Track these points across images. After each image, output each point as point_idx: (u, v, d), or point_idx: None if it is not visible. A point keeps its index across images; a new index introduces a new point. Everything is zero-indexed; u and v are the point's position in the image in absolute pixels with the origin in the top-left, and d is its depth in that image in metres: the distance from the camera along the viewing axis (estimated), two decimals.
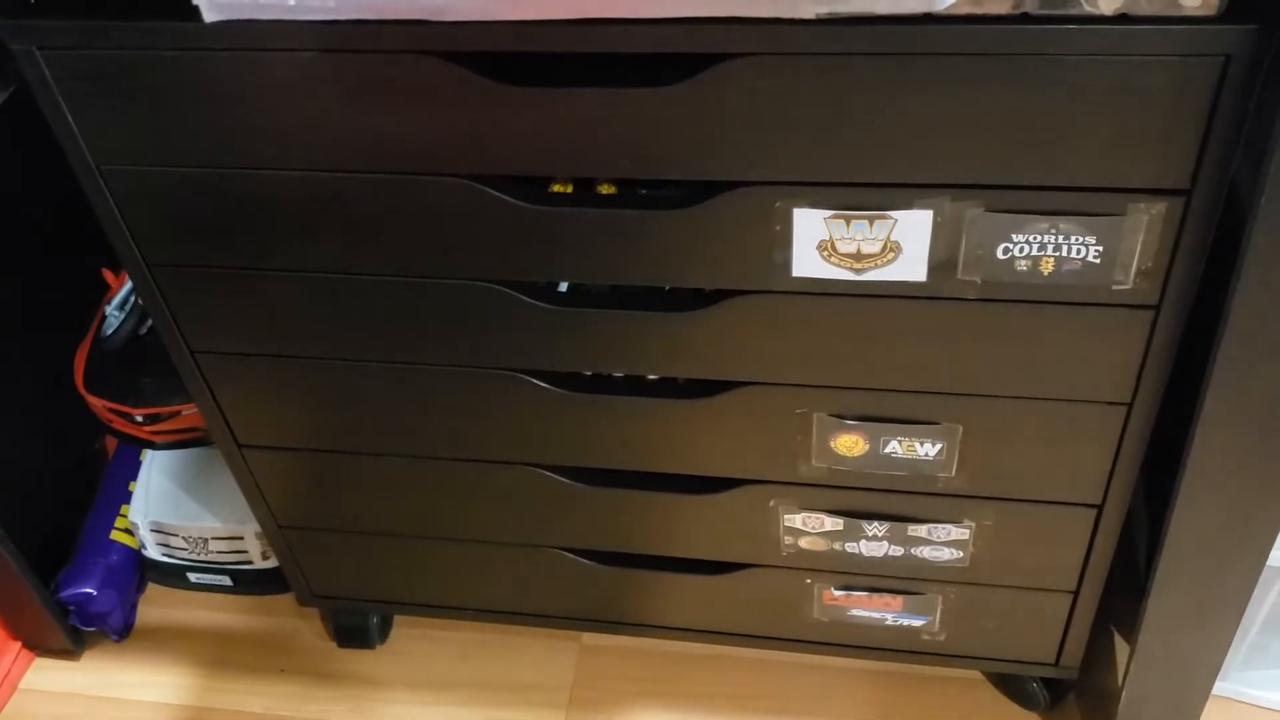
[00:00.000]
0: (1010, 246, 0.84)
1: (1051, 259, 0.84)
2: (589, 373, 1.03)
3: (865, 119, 0.79)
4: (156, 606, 1.46)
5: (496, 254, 0.93)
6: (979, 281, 0.86)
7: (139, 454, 1.43)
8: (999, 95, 0.76)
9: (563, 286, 0.99)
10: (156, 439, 1.32)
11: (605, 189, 0.92)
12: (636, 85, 0.80)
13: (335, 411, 1.10)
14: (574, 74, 0.81)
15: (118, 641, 1.42)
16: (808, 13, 0.66)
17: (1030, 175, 0.80)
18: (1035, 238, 0.83)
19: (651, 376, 1.02)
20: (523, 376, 1.02)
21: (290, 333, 1.03)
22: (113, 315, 1.31)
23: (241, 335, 1.04)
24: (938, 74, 0.76)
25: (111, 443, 1.47)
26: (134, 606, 1.45)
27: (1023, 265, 0.84)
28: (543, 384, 1.03)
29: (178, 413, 1.28)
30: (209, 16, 0.69)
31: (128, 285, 1.32)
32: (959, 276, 0.86)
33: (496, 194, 0.89)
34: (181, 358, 1.07)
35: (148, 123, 0.89)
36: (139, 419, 1.29)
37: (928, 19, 0.72)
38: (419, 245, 0.94)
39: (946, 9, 0.70)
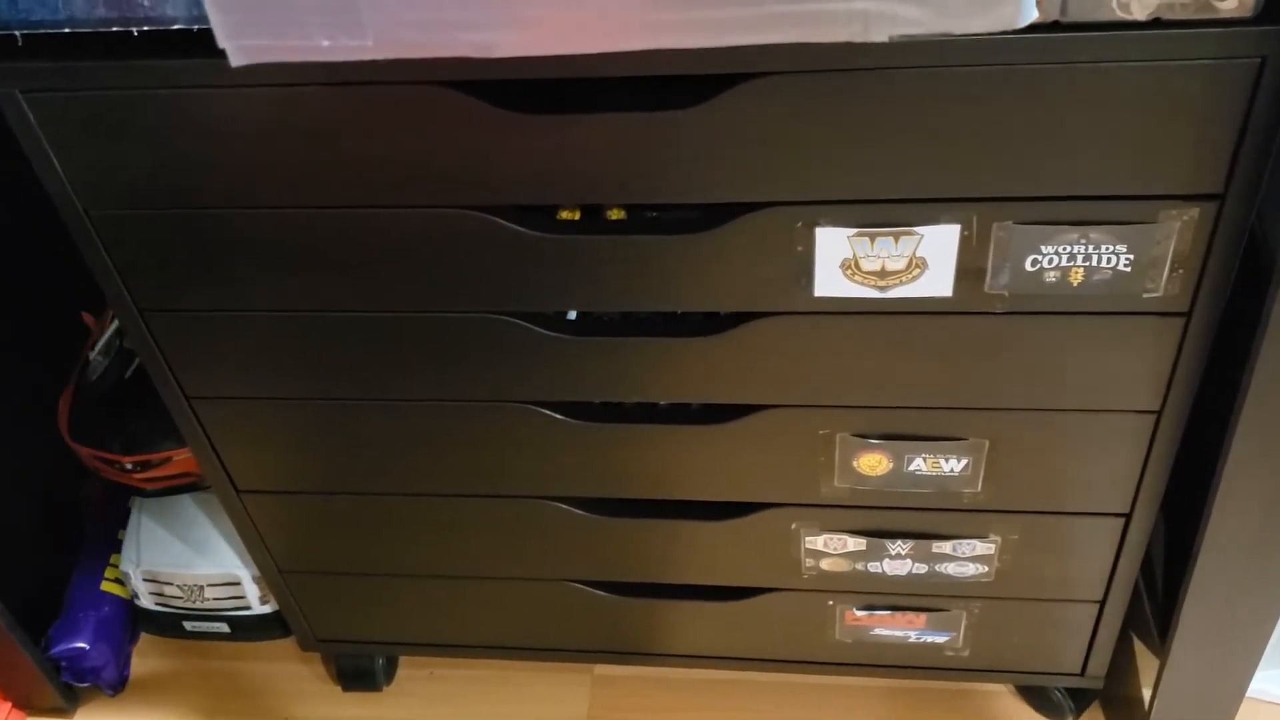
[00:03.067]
0: (1039, 258, 0.82)
1: (1081, 269, 0.82)
2: (600, 401, 1.00)
3: (890, 133, 0.77)
4: (151, 657, 1.41)
5: (504, 285, 0.90)
6: (1007, 294, 0.84)
7: (126, 500, 1.38)
8: (1028, 105, 0.74)
9: (572, 314, 0.96)
10: (147, 486, 1.28)
11: (614, 214, 0.89)
12: (655, 109, 0.77)
13: (338, 453, 1.06)
14: (582, 97, 0.79)
15: (113, 696, 1.38)
16: (880, 37, 0.63)
17: (1060, 185, 0.78)
18: (1065, 248, 0.81)
19: (665, 403, 0.99)
20: (533, 408, 0.99)
21: (291, 374, 0.99)
22: (96, 361, 1.27)
23: (239, 379, 1.00)
24: (965, 85, 0.74)
25: (95, 489, 1.42)
26: (128, 659, 1.40)
27: (1052, 276, 0.82)
28: (554, 414, 1.00)
29: (169, 458, 1.24)
30: (236, 61, 0.66)
31: (110, 329, 1.28)
32: (986, 290, 0.84)
33: (504, 224, 0.86)
34: (177, 404, 1.03)
35: (139, 164, 0.85)
36: (129, 466, 1.24)
37: None
38: (424, 279, 0.91)
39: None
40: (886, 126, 0.76)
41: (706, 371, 0.94)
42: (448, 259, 0.89)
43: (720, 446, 1.00)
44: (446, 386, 0.99)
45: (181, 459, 1.24)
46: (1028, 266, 0.82)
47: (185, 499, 1.34)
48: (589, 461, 1.03)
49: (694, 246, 0.85)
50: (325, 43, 0.63)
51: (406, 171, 0.83)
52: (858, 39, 0.63)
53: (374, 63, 0.74)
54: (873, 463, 0.98)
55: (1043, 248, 0.81)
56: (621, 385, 0.97)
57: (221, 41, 0.66)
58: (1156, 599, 1.21)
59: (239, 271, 0.91)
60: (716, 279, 0.87)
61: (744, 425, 0.97)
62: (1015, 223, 0.80)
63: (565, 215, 0.89)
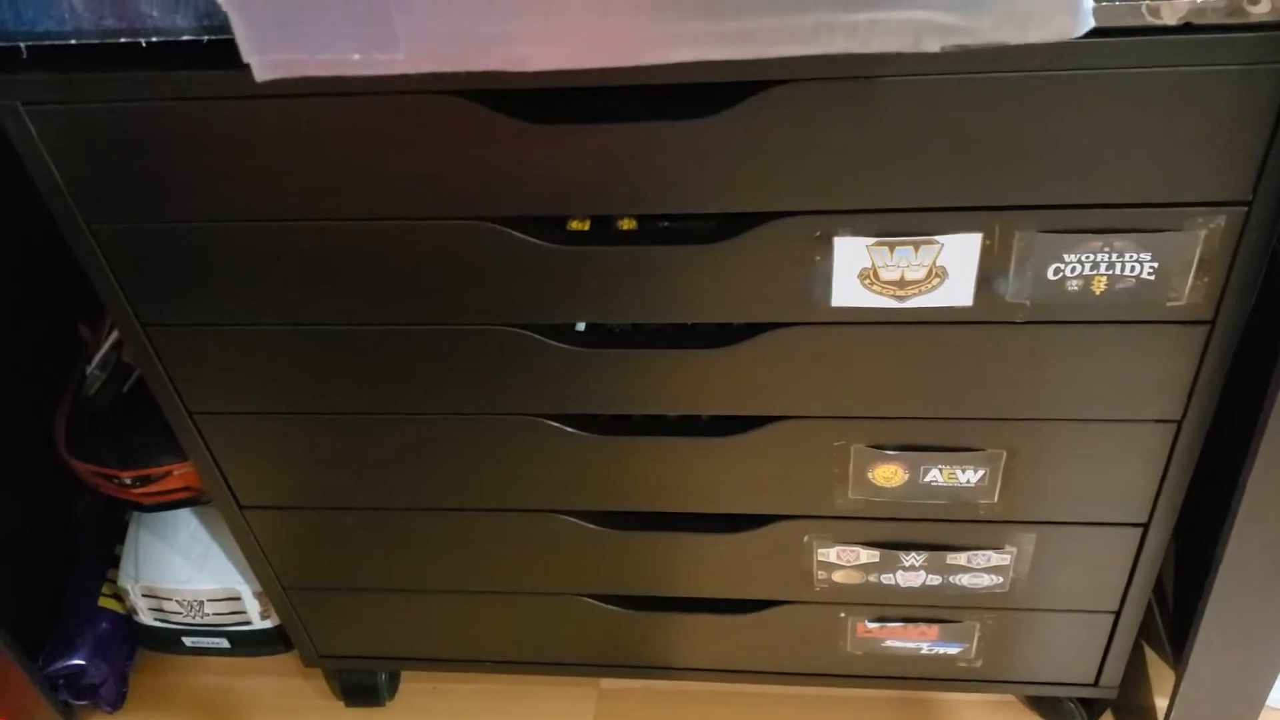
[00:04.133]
0: (1062, 267, 0.80)
1: (1104, 278, 0.81)
2: (610, 414, 0.98)
3: (910, 141, 0.75)
4: (150, 673, 1.39)
5: (514, 296, 0.89)
6: (1028, 303, 0.83)
7: (123, 514, 1.36)
8: (1054, 111, 0.73)
9: (581, 326, 0.95)
10: (146, 500, 1.25)
11: (626, 224, 0.88)
12: (673, 118, 0.76)
13: (344, 467, 1.05)
14: (596, 106, 0.77)
15: (111, 713, 1.36)
16: (932, 47, 0.61)
17: (1084, 193, 0.77)
18: (1088, 257, 0.80)
19: (675, 415, 0.98)
20: (542, 420, 0.98)
21: (296, 388, 0.98)
22: (94, 375, 1.24)
23: (243, 394, 0.99)
24: (988, 92, 0.73)
25: (91, 503, 1.40)
26: (126, 675, 1.38)
27: (1074, 285, 0.81)
28: (563, 427, 0.98)
29: (169, 473, 1.22)
30: (263, 76, 0.64)
31: (108, 342, 1.25)
32: (1007, 299, 0.83)
33: (515, 234, 0.84)
34: (179, 420, 1.01)
35: (143, 177, 0.83)
36: (128, 481, 1.22)
37: None
38: (432, 291, 0.89)
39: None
40: (907, 134, 0.75)
41: (719, 383, 0.93)
42: (457, 270, 0.87)
43: (732, 458, 0.98)
44: (454, 399, 0.97)
45: (181, 473, 1.22)
46: (1050, 275, 0.81)
47: (184, 513, 1.32)
48: (598, 474, 1.02)
49: (708, 257, 0.84)
50: (356, 56, 0.61)
51: (417, 182, 0.82)
52: (909, 49, 0.62)
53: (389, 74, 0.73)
54: (888, 474, 0.96)
55: (1066, 256, 0.80)
56: (632, 397, 0.96)
57: (247, 56, 0.64)
58: (1167, 607, 1.20)
59: (244, 285, 0.90)
60: (731, 290, 0.86)
61: (756, 437, 0.96)
62: (1038, 231, 0.79)
63: (575, 226, 0.87)
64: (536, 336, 0.91)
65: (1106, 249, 0.79)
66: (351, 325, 0.92)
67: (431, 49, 0.60)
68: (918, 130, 0.75)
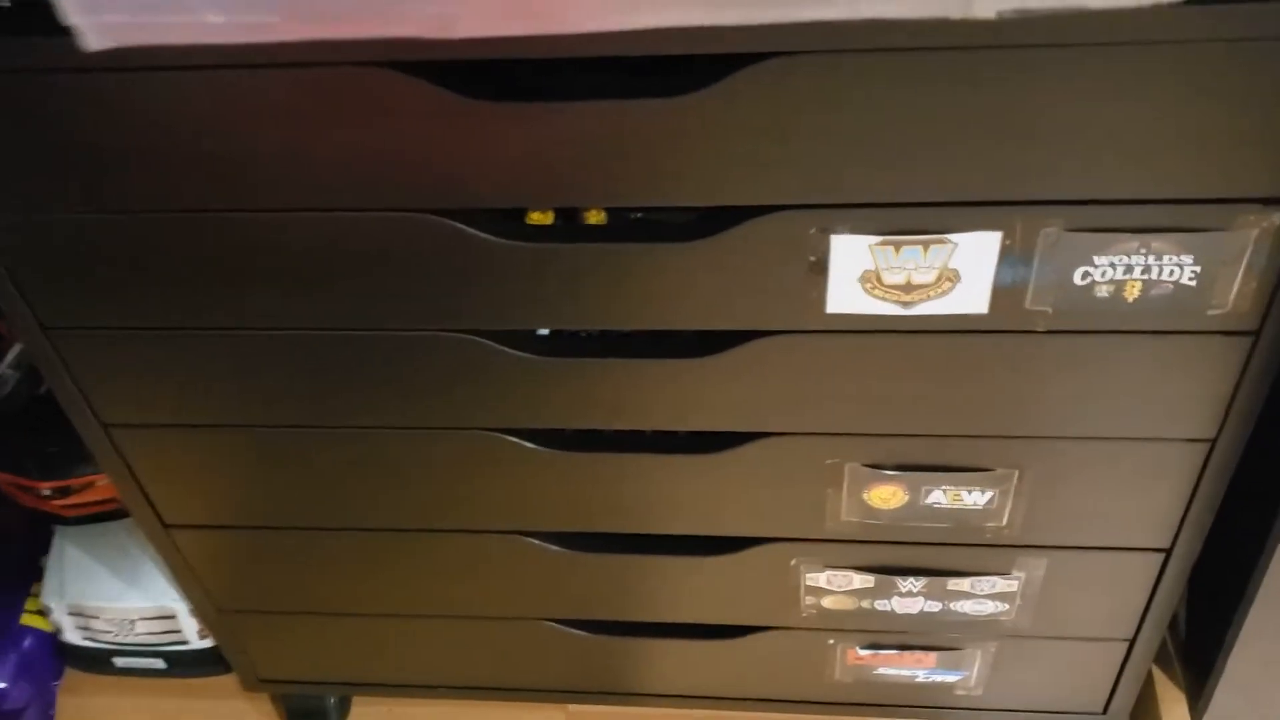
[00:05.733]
0: (1090, 270, 0.70)
1: (1138, 283, 0.71)
2: (577, 429, 0.88)
3: (922, 125, 0.65)
4: (79, 696, 1.28)
5: (466, 298, 0.78)
6: (1050, 311, 0.73)
7: (49, 525, 1.25)
8: (1088, 92, 0.63)
9: (543, 331, 0.84)
10: (68, 513, 1.15)
11: (594, 217, 0.77)
12: (646, 95, 0.65)
13: (282, 485, 0.94)
14: (557, 80, 0.66)
15: None
16: (986, 13, 0.51)
17: (1120, 187, 0.67)
18: (1121, 259, 0.69)
19: (650, 430, 0.87)
20: (500, 435, 0.87)
21: (221, 399, 0.87)
22: (6, 374, 1.13)
23: (163, 404, 0.87)
24: (1011, 69, 0.62)
25: (12, 512, 1.29)
26: (53, 698, 1.27)
27: (1103, 291, 0.71)
28: (524, 442, 0.88)
29: (91, 483, 1.11)
30: (95, 43, 0.52)
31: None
32: (1027, 306, 0.73)
33: (465, 229, 0.74)
34: (91, 432, 0.90)
35: (30, 163, 0.72)
36: (46, 493, 1.11)
37: None
38: (372, 292, 0.78)
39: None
40: (918, 117, 0.65)
41: (698, 396, 0.82)
42: (401, 269, 0.76)
43: (712, 477, 0.88)
44: (399, 412, 0.86)
45: (105, 484, 1.11)
46: (1077, 280, 0.71)
47: (113, 526, 1.20)
48: (564, 493, 0.91)
49: (688, 256, 0.73)
50: (217, 19, 0.49)
51: (348, 169, 0.71)
52: (956, 14, 0.51)
53: (307, 42, 0.61)
54: (885, 495, 0.87)
55: (1095, 259, 0.70)
56: (599, 411, 0.85)
57: (72, 17, 0.52)
58: (1178, 629, 1.11)
59: (157, 285, 0.79)
60: (713, 293, 0.75)
61: (740, 454, 0.85)
62: (1065, 229, 0.68)
63: (537, 219, 0.77)
64: (492, 344, 0.81)
65: (1143, 250, 0.69)
66: (278, 330, 0.81)
67: (320, 9, 0.49)
68: (931, 113, 0.64)
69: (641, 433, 0.88)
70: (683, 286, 0.75)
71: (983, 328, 0.75)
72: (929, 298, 0.73)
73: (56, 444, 1.10)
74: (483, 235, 0.74)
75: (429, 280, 0.77)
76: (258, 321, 0.81)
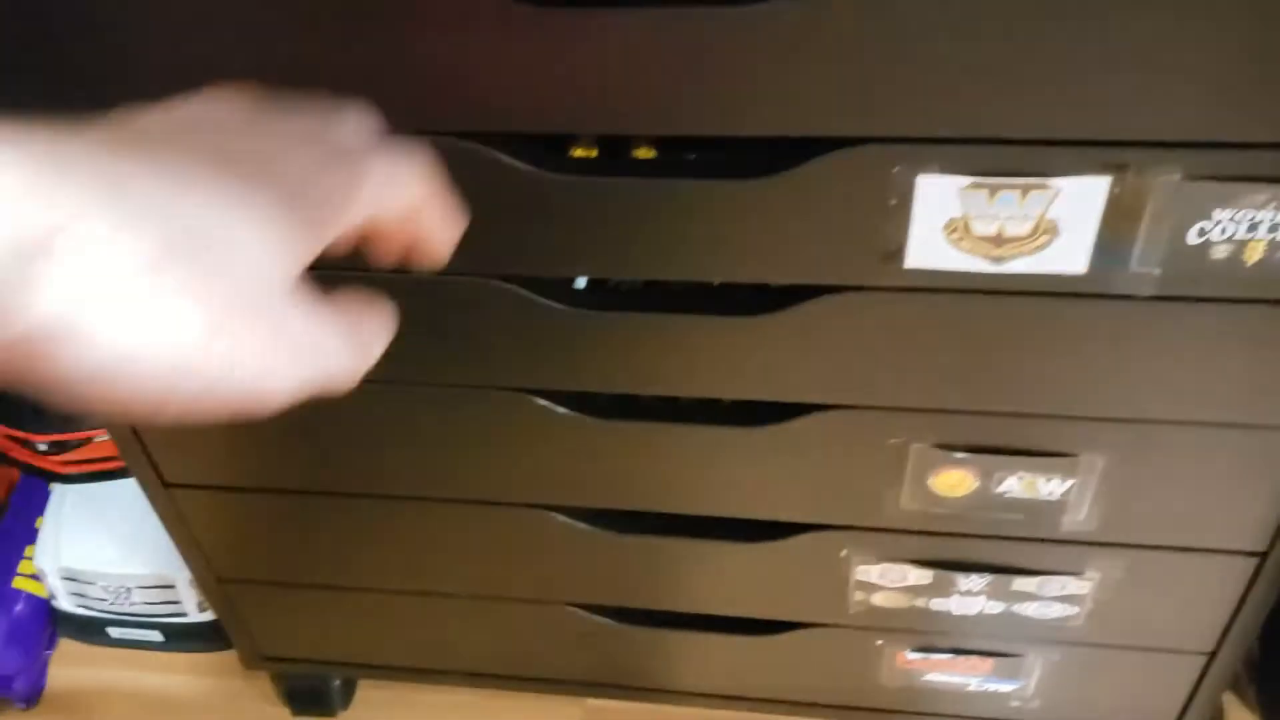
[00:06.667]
0: (1208, 227, 0.62)
1: (1263, 243, 0.62)
2: (613, 393, 0.80)
3: (1028, 46, 0.57)
4: (71, 666, 1.21)
5: (496, 239, 0.70)
6: (1157, 273, 0.64)
7: (46, 485, 1.18)
8: (1222, 10, 0.54)
9: (581, 282, 0.76)
10: (64, 470, 1.08)
11: (642, 152, 0.69)
12: (711, 3, 0.57)
13: (290, 442, 0.87)
14: None
15: (25, 710, 1.18)
16: None
17: (1254, 128, 0.58)
18: (1246, 214, 0.61)
19: (692, 397, 0.79)
20: (528, 397, 0.79)
21: None
22: None
23: None
24: None
25: (9, 473, 1.22)
26: (44, 667, 1.20)
27: (1220, 252, 0.63)
28: (554, 406, 0.80)
29: (89, 439, 1.04)
30: None
31: None
32: (1132, 268, 0.64)
33: (499, 156, 0.66)
34: None
35: None
36: (42, 447, 1.04)
37: None
38: None
39: None
40: (1018, 36, 0.56)
41: (750, 360, 0.74)
42: None
43: (760, 453, 0.80)
44: (419, 365, 0.79)
45: (105, 441, 1.04)
46: (1191, 238, 0.62)
47: (115, 486, 1.14)
48: (595, 465, 0.83)
49: (747, 196, 0.65)
50: None
51: (353, 83, 0.63)
52: None
53: None
54: (953, 481, 0.78)
55: (1215, 213, 0.61)
56: (641, 374, 0.77)
57: None
58: (1251, 646, 1.02)
59: None
60: (773, 242, 0.67)
61: (792, 429, 0.77)
62: (1184, 178, 0.60)
63: (580, 152, 0.69)
64: (524, 292, 0.73)
65: (1273, 205, 0.60)
66: None
67: None
68: (1032, 31, 0.56)
69: (682, 401, 0.79)
70: (738, 233, 0.67)
71: (1078, 290, 0.66)
72: (1022, 253, 0.64)
73: None
74: (519, 164, 0.66)
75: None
76: None
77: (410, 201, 0.43)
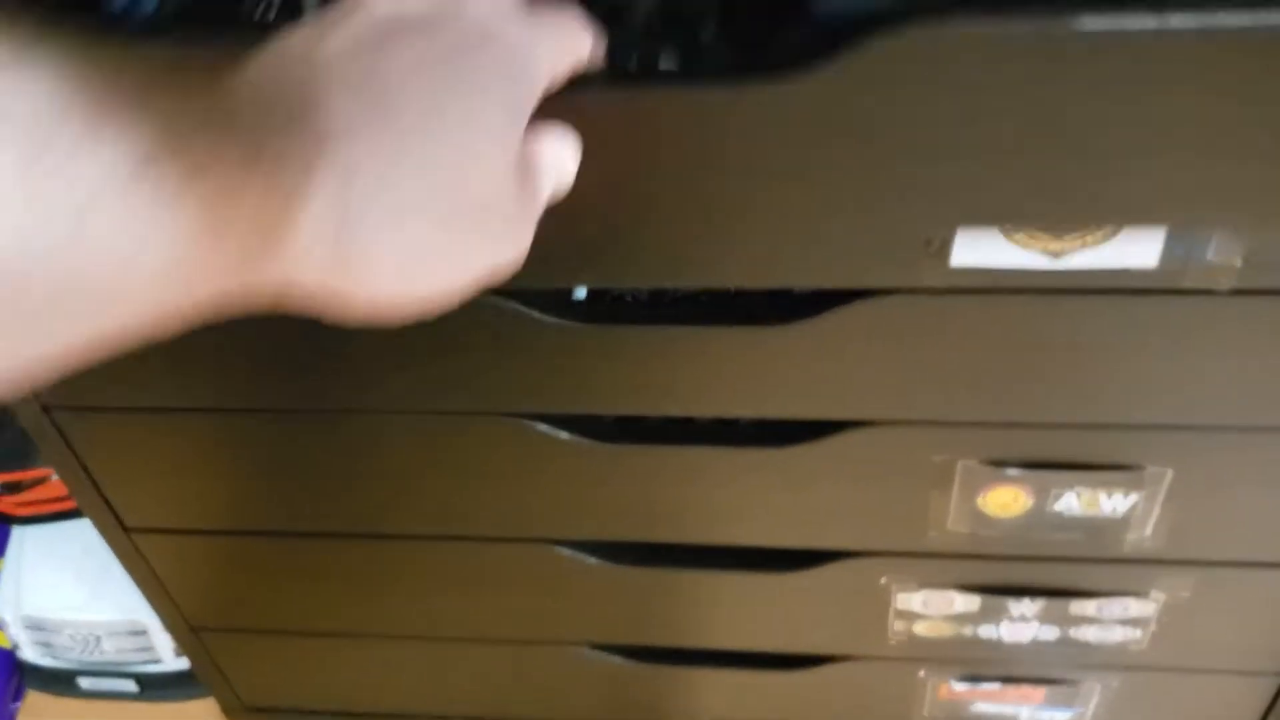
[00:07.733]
0: None
1: None
2: (619, 416, 0.71)
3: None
4: (39, 718, 1.13)
5: None
6: (1238, 264, 0.56)
7: (4, 528, 1.09)
8: None
9: (580, 292, 0.68)
10: (21, 512, 0.99)
11: None
12: None
13: (257, 478, 0.78)
14: None
15: None
16: None
17: None
18: None
19: (707, 417, 0.71)
20: (528, 422, 0.71)
21: (192, 372, 0.71)
22: None
23: (118, 384, 0.72)
24: None
25: None
26: None
27: None
28: (556, 431, 0.71)
29: (45, 478, 0.95)
30: None
31: None
32: (1208, 259, 0.56)
33: None
34: (31, 416, 0.74)
35: None
36: None
37: None
38: None
39: None
40: None
41: (776, 374, 0.66)
42: None
43: (788, 475, 0.72)
44: (405, 391, 0.70)
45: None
46: None
47: (78, 526, 1.05)
48: (604, 493, 0.75)
49: None
50: None
51: None
52: None
53: None
54: (1005, 500, 0.70)
55: None
56: (649, 393, 0.69)
57: None
58: None
59: None
60: (799, 241, 0.59)
61: (825, 448, 0.69)
62: None
63: None
64: (518, 305, 0.64)
65: None
66: None
67: None
68: None
69: (698, 421, 0.71)
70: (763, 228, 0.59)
71: (1149, 286, 0.58)
72: (1084, 246, 0.56)
73: (6, 432, 0.94)
74: None
75: None
76: None
77: (579, 59, 0.45)
